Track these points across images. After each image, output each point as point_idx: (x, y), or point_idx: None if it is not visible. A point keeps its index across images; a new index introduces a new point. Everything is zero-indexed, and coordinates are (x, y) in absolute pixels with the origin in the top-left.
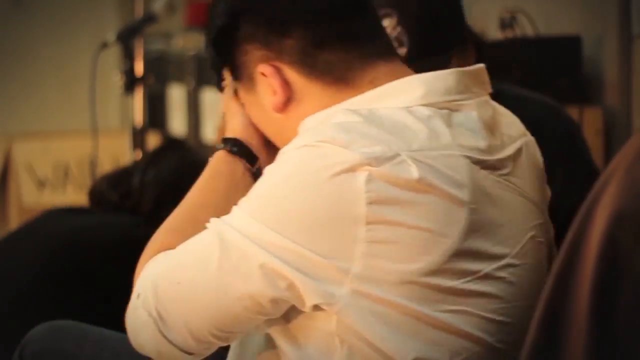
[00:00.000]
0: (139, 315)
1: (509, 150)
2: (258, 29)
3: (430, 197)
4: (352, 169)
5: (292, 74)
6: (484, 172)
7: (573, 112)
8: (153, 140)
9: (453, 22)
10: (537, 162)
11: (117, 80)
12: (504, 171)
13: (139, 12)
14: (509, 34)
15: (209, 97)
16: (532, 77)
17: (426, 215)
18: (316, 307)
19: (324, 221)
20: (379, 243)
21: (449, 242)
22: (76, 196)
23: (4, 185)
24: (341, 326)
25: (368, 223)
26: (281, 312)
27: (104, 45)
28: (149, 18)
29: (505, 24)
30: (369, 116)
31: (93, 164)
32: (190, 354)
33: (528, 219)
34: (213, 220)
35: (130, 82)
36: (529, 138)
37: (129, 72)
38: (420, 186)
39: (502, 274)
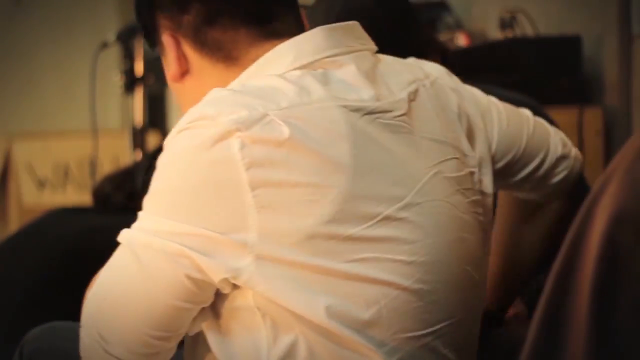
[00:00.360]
0: (86, 344)
1: (400, 94)
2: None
3: (305, 152)
4: (223, 138)
5: (187, 48)
6: (367, 118)
7: (573, 112)
8: (153, 140)
9: (400, 36)
10: (445, 102)
11: (117, 80)
12: (396, 113)
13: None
14: (509, 34)
15: None
16: (532, 77)
17: (305, 171)
18: (234, 287)
19: (211, 197)
20: (268, 207)
21: (336, 191)
22: (76, 196)
23: (4, 185)
24: (257, 298)
25: (253, 189)
26: (208, 297)
27: (104, 45)
28: None
29: (505, 24)
30: (239, 88)
31: (93, 164)
32: None
33: (430, 157)
34: (122, 232)
35: (130, 82)
36: (432, 81)
37: (129, 72)
38: (293, 143)
39: (403, 214)
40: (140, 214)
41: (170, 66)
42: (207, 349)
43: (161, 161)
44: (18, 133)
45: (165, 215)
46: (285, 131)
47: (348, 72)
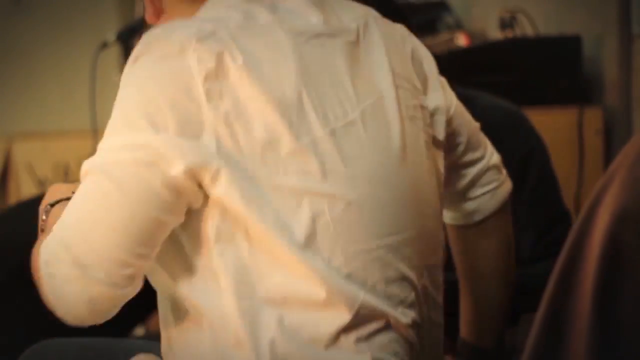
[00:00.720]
0: (58, 275)
1: (350, 25)
2: None
3: (255, 66)
4: (180, 53)
5: None
6: (313, 42)
7: (573, 112)
8: None
9: None
10: (398, 42)
11: (117, 80)
12: (344, 39)
13: (139, 12)
14: (509, 34)
15: None
16: (532, 77)
17: (257, 87)
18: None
19: (169, 105)
20: (224, 118)
21: (283, 105)
22: None
23: (4, 185)
24: (214, 212)
25: (209, 100)
26: (181, 209)
27: (104, 45)
28: None
29: (505, 24)
30: (188, 19)
31: None
32: (120, 288)
33: (377, 83)
34: (84, 163)
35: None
36: (388, 25)
37: None
38: (245, 62)
39: (348, 128)
40: (103, 140)
41: (147, 9)
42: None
43: (121, 82)
44: (18, 133)
45: (129, 129)
46: (236, 52)
47: (295, 2)
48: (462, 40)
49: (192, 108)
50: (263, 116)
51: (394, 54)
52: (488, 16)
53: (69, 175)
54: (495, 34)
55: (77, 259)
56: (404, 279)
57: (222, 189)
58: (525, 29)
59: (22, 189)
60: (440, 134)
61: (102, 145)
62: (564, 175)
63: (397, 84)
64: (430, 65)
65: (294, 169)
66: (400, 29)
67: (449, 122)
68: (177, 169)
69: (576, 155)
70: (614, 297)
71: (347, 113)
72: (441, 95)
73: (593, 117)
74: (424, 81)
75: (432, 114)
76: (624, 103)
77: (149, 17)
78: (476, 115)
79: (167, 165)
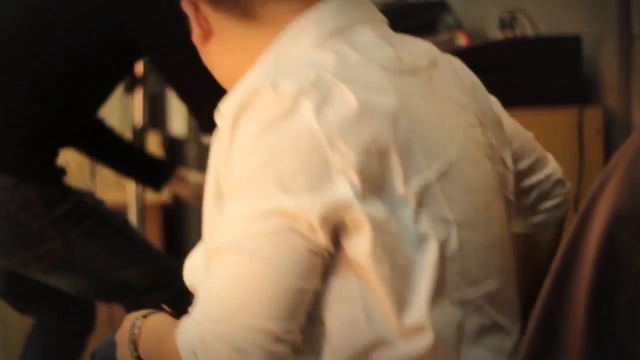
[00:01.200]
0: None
1: (420, 60)
2: None
3: (367, 106)
4: (293, 108)
5: (206, 9)
6: (399, 76)
7: (573, 112)
8: (153, 140)
9: None
10: (462, 76)
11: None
12: (420, 76)
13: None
14: (509, 34)
15: None
16: (532, 77)
17: (374, 130)
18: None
19: (297, 166)
20: (347, 164)
21: (395, 146)
22: None
23: None
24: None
25: (333, 148)
26: (321, 270)
27: None
28: None
29: (505, 24)
30: (279, 63)
31: (93, 164)
32: None
33: (458, 119)
34: (210, 244)
35: (130, 82)
36: (447, 57)
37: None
38: (359, 102)
39: (446, 171)
40: (229, 210)
41: (194, 31)
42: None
43: (236, 149)
44: None
45: (257, 197)
46: (348, 93)
47: (369, 37)
48: (462, 40)
49: (318, 161)
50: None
51: (463, 90)
52: (488, 16)
53: (69, 175)
54: (495, 34)
55: (234, 345)
56: (500, 328)
57: (359, 240)
58: (525, 29)
59: None
60: (509, 163)
61: (229, 217)
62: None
63: (473, 122)
64: (487, 96)
65: (407, 215)
66: (457, 62)
67: (513, 150)
68: (314, 225)
69: (576, 155)
70: (609, 297)
71: (446, 153)
72: (503, 128)
73: (593, 117)
74: (486, 114)
75: (501, 145)
76: (624, 103)
77: (196, 40)
78: None
79: (304, 226)
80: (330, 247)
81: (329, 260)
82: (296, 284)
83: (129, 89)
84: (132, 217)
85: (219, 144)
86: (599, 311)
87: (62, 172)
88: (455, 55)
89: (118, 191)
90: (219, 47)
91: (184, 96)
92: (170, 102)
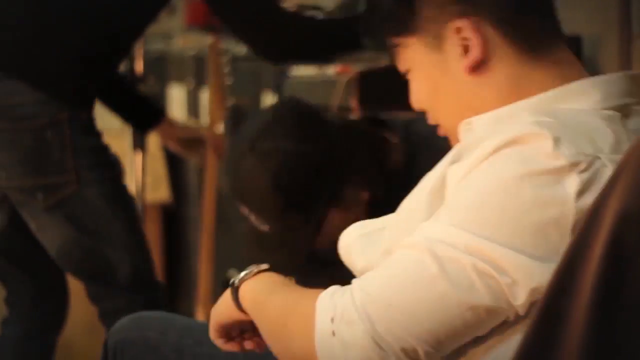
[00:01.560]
0: (345, 339)
1: None
2: None
3: None
4: (560, 173)
5: (490, 32)
6: None
7: None
8: (153, 140)
9: (310, 196)
10: None
11: None
12: None
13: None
14: None
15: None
16: None
17: None
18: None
19: (533, 228)
20: None
21: None
22: None
23: None
24: None
25: (574, 232)
26: (488, 329)
27: None
28: None
29: None
30: (558, 117)
31: None
32: None
33: None
34: (413, 240)
35: (131, 82)
36: None
37: (129, 72)
38: None
39: None
40: (436, 224)
41: (459, 58)
42: None
43: (480, 174)
44: None
45: (477, 232)
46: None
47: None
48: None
49: (556, 238)
50: None
51: None
52: None
53: None
54: None
55: (376, 334)
56: None
57: None
58: None
59: None
60: None
61: (441, 224)
62: None
63: None
64: None
65: None
66: None
67: None
68: (520, 290)
69: None
70: (614, 297)
71: None
72: None
73: None
74: None
75: None
76: None
77: (466, 66)
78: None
79: (508, 284)
80: (522, 312)
81: (511, 319)
82: (468, 319)
83: None
84: None
85: (465, 155)
86: (602, 310)
87: (92, 104)
88: None
89: None
90: (487, 77)
91: (235, 26)
92: (170, 102)
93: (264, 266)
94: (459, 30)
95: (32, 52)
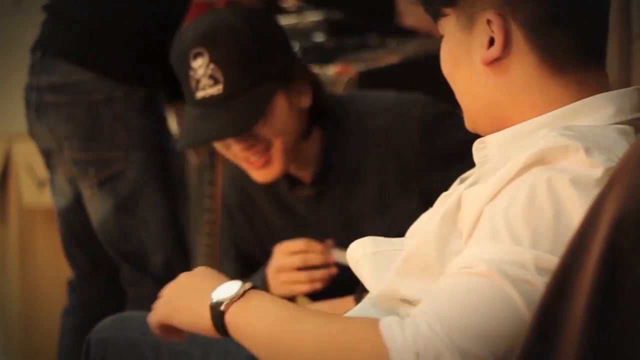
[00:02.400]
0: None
1: None
2: None
3: None
4: (599, 184)
5: (518, 35)
6: None
7: None
8: None
9: (269, 54)
10: None
11: None
12: None
13: None
14: None
15: None
16: None
17: None
18: None
19: None
20: None
21: None
22: None
23: (4, 185)
24: None
25: None
26: None
27: None
28: None
29: None
30: (577, 131)
31: None
32: None
33: None
34: (476, 265)
35: None
36: None
37: None
38: None
39: None
40: (510, 242)
41: (481, 48)
42: None
43: (519, 190)
44: (18, 133)
45: (543, 248)
46: None
47: None
48: None
49: None
50: None
51: None
52: None
53: None
54: None
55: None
56: None
57: None
58: None
59: (22, 189)
60: None
61: (504, 248)
62: None
63: None
64: None
65: None
66: None
67: None
68: None
69: None
70: (610, 301)
71: None
72: None
73: None
74: None
75: None
76: None
77: (484, 57)
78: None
79: None
80: None
81: None
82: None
83: None
84: None
85: (484, 178)
86: (599, 314)
87: (149, 84)
88: None
89: None
90: (501, 75)
91: None
92: None
93: (248, 285)
94: (489, 22)
95: (88, 37)
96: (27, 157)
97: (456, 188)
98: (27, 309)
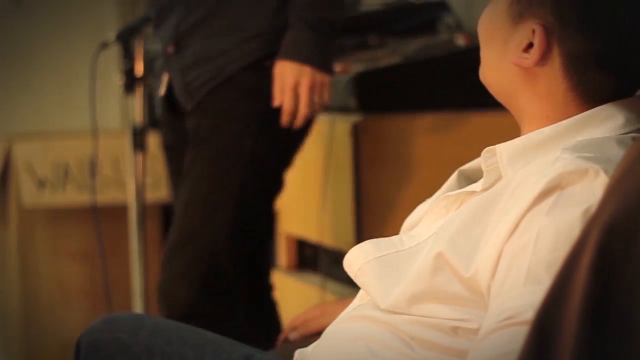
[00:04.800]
0: None
1: None
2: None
3: None
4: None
5: (556, 60)
6: None
7: None
8: (153, 140)
9: None
10: None
11: (117, 80)
12: None
13: (139, 12)
14: None
15: None
16: None
17: None
18: None
19: None
20: None
21: None
22: (76, 196)
23: (4, 185)
24: None
25: None
26: None
27: (104, 45)
28: (149, 18)
29: None
30: (587, 149)
31: (93, 164)
32: None
33: None
34: (523, 316)
35: (130, 82)
36: None
37: (129, 72)
38: None
39: None
40: (530, 283)
41: (517, 49)
42: None
43: (543, 223)
44: (18, 133)
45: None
46: None
47: None
48: (462, 41)
49: None
50: None
51: None
52: None
53: (69, 176)
54: None
55: None
56: None
57: None
58: None
59: (22, 189)
60: None
61: (530, 286)
62: None
63: None
64: None
65: None
66: None
67: None
68: None
69: None
70: (602, 306)
71: None
72: None
73: None
74: None
75: None
76: None
77: (516, 59)
78: None
79: None
80: None
81: None
82: None
83: (129, 89)
84: (132, 217)
85: (498, 198)
86: (591, 319)
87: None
88: (455, 55)
89: (118, 191)
90: (528, 81)
91: None
92: None
93: None
94: (532, 30)
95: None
96: (27, 157)
97: (459, 194)
98: (27, 309)
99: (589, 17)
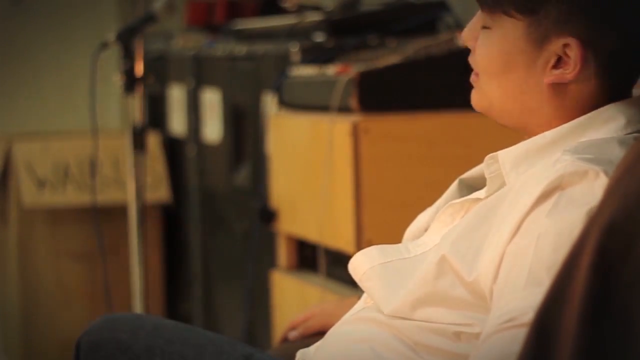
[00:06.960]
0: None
1: None
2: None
3: None
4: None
5: (591, 64)
6: None
7: None
8: (153, 140)
9: None
10: None
11: (117, 80)
12: None
13: (139, 12)
14: None
15: (209, 97)
16: None
17: None
18: None
19: None
20: None
21: None
22: (76, 196)
23: (4, 185)
24: None
25: None
26: None
27: (104, 45)
28: (149, 18)
29: None
30: (589, 151)
31: (93, 164)
32: None
33: None
34: (520, 317)
35: (130, 82)
36: None
37: (129, 72)
38: None
39: None
40: (530, 286)
41: (542, 67)
42: None
43: (545, 224)
44: (18, 133)
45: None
46: None
47: None
48: (462, 41)
49: None
50: None
51: None
52: None
53: (69, 176)
54: None
55: None
56: None
57: None
58: None
59: (22, 189)
60: None
61: (532, 287)
62: None
63: None
64: None
65: None
66: None
67: None
68: None
69: None
70: (601, 305)
71: None
72: None
73: None
74: None
75: None
76: None
77: (551, 77)
78: None
79: None
80: None
81: None
82: None
83: (129, 89)
84: (132, 217)
85: (501, 203)
86: (590, 320)
87: None
88: (455, 55)
89: (118, 191)
90: (557, 95)
91: None
92: (170, 102)
93: None
94: (565, 46)
95: None
96: (27, 157)
97: (464, 201)
98: (26, 309)
99: (620, 16)
